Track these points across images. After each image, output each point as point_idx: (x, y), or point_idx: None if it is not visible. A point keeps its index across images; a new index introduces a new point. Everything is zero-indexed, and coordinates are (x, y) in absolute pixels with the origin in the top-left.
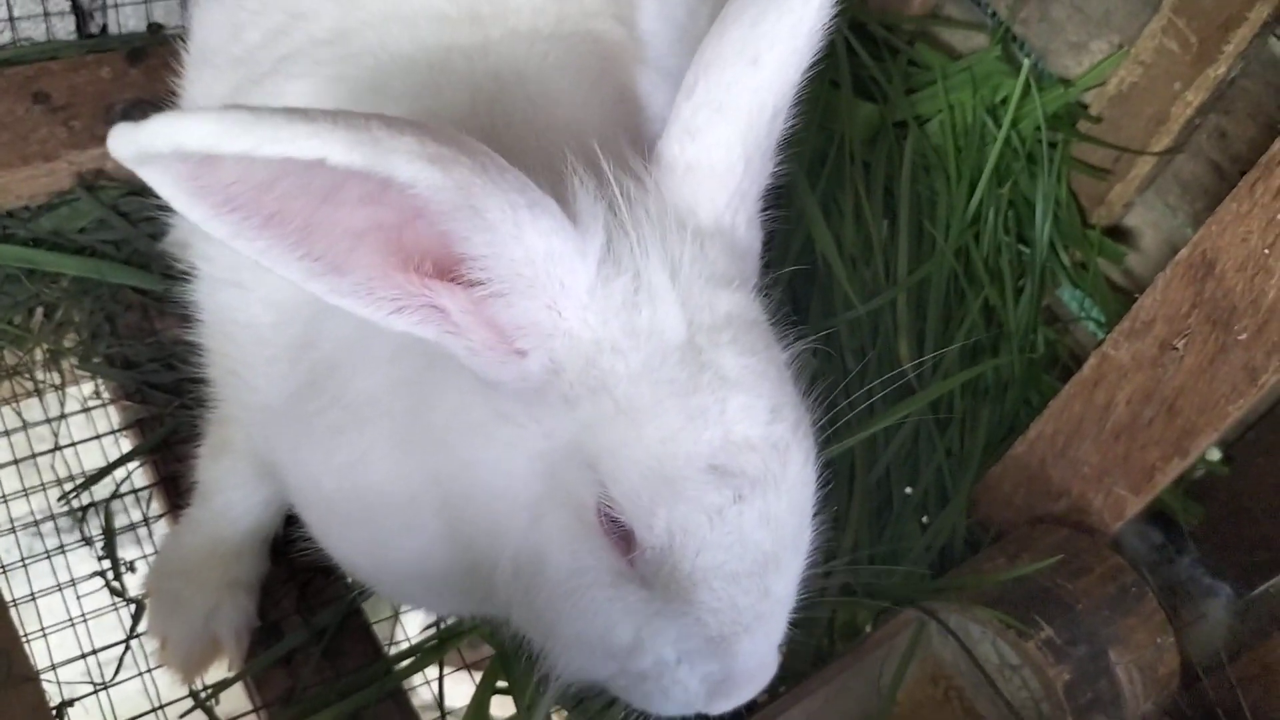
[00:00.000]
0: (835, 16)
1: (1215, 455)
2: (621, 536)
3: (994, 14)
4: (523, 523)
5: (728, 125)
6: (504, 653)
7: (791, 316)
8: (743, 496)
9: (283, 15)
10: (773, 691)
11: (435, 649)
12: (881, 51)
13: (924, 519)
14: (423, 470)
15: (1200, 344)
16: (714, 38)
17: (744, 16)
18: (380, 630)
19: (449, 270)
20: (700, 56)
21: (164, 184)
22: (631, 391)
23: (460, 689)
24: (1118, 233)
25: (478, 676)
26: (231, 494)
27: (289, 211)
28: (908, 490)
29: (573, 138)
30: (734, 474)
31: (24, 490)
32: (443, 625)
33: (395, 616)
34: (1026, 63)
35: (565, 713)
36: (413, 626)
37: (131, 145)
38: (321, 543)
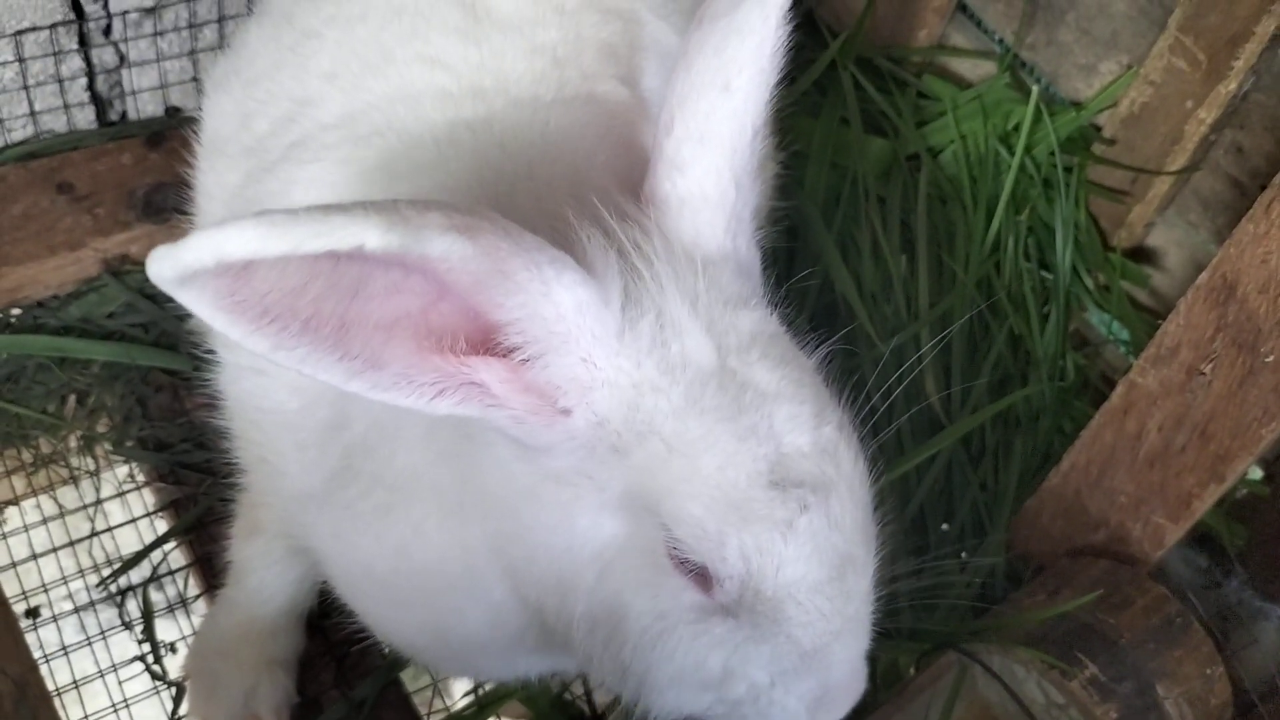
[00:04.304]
0: (792, 28)
1: (1257, 474)
2: (698, 572)
3: (1000, 40)
4: (590, 578)
5: (712, 154)
6: (543, 716)
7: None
8: (808, 505)
9: (290, 103)
10: None
11: (475, 715)
12: (889, 85)
13: (962, 554)
14: (480, 538)
15: (1228, 368)
16: (682, 71)
17: (706, 46)
18: (419, 699)
19: (481, 344)
20: (672, 92)
21: (202, 304)
22: (679, 427)
23: None
24: (1142, 253)
25: None
26: (265, 573)
27: (323, 314)
28: (944, 526)
29: (573, 196)
30: (795, 484)
31: (63, 578)
32: (482, 691)
33: (434, 685)
34: (1036, 88)
35: None
36: (452, 693)
37: (175, 265)
38: (375, 628)
